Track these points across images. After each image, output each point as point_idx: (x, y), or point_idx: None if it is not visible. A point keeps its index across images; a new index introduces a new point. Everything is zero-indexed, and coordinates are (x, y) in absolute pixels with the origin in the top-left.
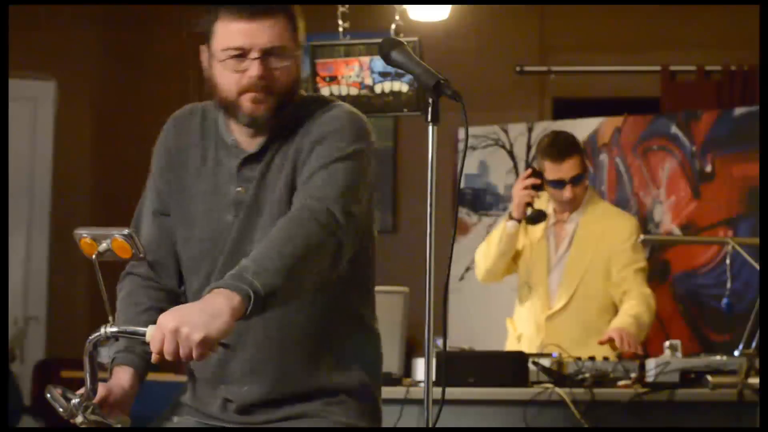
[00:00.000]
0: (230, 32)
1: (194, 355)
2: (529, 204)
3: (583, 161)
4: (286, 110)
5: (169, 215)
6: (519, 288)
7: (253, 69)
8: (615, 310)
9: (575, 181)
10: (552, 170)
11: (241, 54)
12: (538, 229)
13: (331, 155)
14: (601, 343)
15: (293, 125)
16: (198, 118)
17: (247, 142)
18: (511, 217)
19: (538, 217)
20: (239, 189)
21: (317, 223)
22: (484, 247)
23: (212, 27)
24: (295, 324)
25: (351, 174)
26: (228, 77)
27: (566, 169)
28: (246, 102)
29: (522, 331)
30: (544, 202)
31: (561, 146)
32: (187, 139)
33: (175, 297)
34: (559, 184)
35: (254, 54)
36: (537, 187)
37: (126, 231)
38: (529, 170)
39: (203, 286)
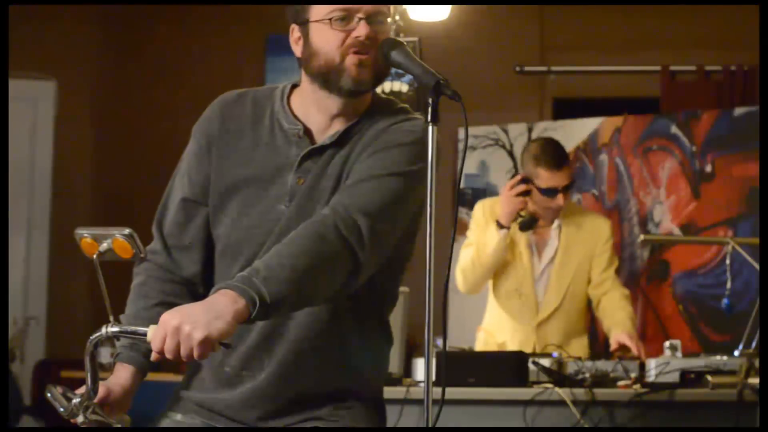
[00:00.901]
0: None
1: (194, 354)
2: (519, 211)
3: (573, 170)
4: (367, 104)
5: (199, 202)
6: (503, 297)
7: (360, 29)
8: (590, 310)
9: (567, 189)
10: (547, 178)
11: (346, 16)
12: (521, 238)
13: (387, 167)
14: (615, 350)
15: (367, 123)
16: (249, 103)
17: (320, 130)
18: (501, 225)
19: (531, 222)
20: (298, 179)
21: (339, 236)
22: (473, 257)
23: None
24: (324, 330)
25: (397, 192)
26: (333, 37)
27: (561, 177)
28: (351, 65)
29: (504, 339)
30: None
31: (557, 154)
32: (234, 125)
33: (192, 288)
34: (552, 192)
35: (361, 14)
36: (525, 194)
37: (127, 231)
38: (519, 177)
39: (242, 270)
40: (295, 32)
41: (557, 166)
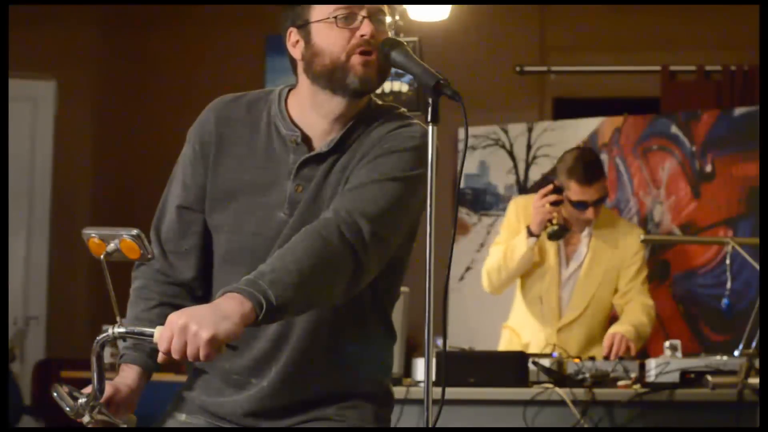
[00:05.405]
0: None
1: (201, 354)
2: (550, 220)
3: (606, 184)
4: (364, 114)
5: (194, 209)
6: (528, 300)
7: (365, 27)
8: (615, 318)
9: (597, 203)
10: (578, 192)
11: (350, 15)
12: (551, 244)
13: (388, 172)
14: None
15: (366, 129)
16: (244, 107)
17: (318, 135)
18: (530, 233)
19: (561, 232)
20: (297, 187)
21: (342, 238)
22: (499, 261)
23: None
24: (328, 334)
25: (398, 197)
26: (337, 36)
27: (593, 192)
28: (357, 64)
29: (529, 340)
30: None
31: (591, 170)
32: (230, 130)
33: (189, 291)
34: (582, 205)
35: (364, 13)
36: (557, 203)
37: (135, 231)
38: (551, 186)
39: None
40: (293, 35)
41: (589, 181)
